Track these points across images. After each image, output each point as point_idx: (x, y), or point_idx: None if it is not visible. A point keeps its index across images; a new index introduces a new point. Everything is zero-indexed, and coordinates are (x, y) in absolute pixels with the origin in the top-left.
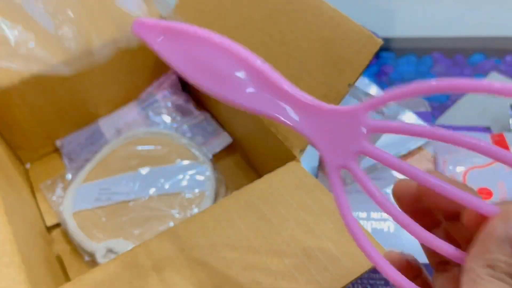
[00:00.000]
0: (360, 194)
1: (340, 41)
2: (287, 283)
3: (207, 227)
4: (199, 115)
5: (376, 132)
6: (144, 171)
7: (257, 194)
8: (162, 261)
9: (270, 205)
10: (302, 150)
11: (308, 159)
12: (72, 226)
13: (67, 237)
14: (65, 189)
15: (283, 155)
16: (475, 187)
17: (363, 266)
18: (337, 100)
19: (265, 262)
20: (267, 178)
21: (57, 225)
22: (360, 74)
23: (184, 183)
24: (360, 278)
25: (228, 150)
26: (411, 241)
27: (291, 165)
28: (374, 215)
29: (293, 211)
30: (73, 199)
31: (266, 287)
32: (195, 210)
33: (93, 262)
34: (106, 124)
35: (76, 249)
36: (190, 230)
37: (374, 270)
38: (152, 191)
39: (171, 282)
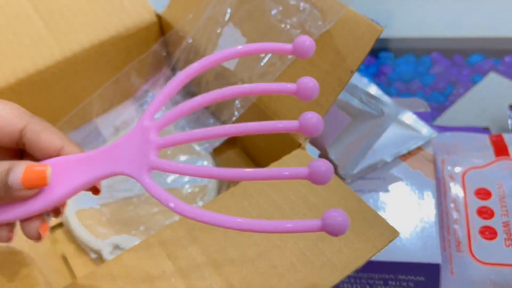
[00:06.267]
0: (359, 193)
1: (341, 29)
2: (303, 266)
3: None
4: (196, 110)
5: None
6: None
7: (265, 182)
8: (176, 250)
9: (280, 192)
10: (306, 137)
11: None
12: (76, 224)
13: (70, 237)
14: None
15: (286, 145)
16: (474, 188)
17: (376, 246)
18: (340, 86)
19: (280, 247)
20: (274, 166)
21: (59, 226)
22: (362, 61)
23: (187, 177)
24: (359, 278)
25: (228, 143)
26: (411, 241)
27: (297, 152)
28: None
29: (303, 197)
30: (74, 198)
31: (283, 270)
32: (200, 203)
33: (99, 260)
34: (104, 123)
35: (80, 248)
36: None
37: (373, 270)
38: None
39: (186, 270)
